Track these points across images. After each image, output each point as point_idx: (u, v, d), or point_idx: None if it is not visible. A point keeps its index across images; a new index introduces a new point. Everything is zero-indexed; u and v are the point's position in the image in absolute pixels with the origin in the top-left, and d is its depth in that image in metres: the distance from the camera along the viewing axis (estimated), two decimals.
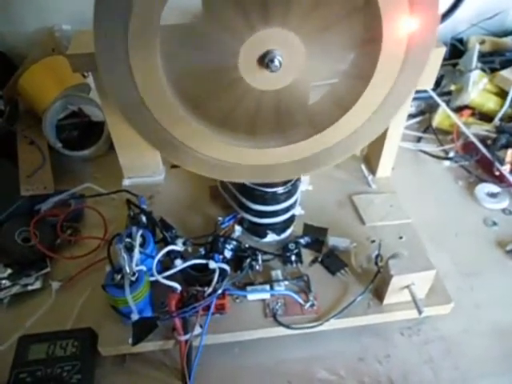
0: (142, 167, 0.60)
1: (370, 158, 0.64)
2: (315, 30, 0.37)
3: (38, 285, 0.54)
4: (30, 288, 0.54)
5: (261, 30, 0.36)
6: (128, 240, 0.45)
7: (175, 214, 0.56)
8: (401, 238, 0.54)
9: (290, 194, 0.50)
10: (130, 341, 0.44)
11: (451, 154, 0.70)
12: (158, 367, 0.48)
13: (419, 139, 0.75)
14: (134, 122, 0.40)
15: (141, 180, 0.61)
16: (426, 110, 0.78)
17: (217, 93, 0.40)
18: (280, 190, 0.48)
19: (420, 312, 0.45)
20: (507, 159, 0.64)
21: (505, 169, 0.65)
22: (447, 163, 0.70)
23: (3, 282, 0.54)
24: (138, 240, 0.45)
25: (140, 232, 0.46)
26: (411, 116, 0.78)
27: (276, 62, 0.37)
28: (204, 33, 0.36)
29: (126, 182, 0.61)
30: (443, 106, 0.70)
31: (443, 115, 0.73)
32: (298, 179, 0.51)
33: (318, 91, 0.43)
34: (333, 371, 0.47)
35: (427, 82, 0.51)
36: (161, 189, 0.61)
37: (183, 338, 0.44)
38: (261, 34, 0.36)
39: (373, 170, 0.63)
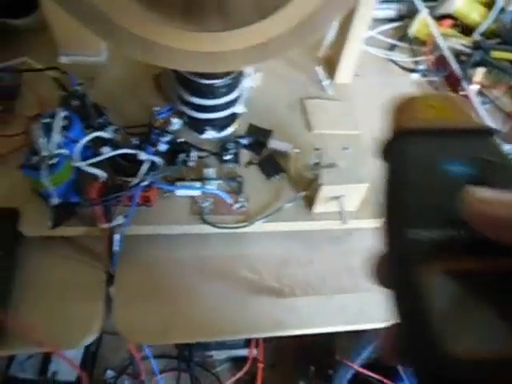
0: (79, 44, 0.55)
1: (331, 60, 0.59)
2: None
3: None
4: None
5: None
6: (47, 121, 0.42)
7: (114, 100, 0.53)
8: (345, 149, 0.53)
9: (229, 88, 0.46)
10: (49, 224, 0.43)
11: (421, 67, 0.66)
12: (85, 252, 0.48)
13: (393, 47, 0.69)
14: None
15: (80, 59, 0.56)
16: (407, 15, 0.71)
17: None
18: (218, 82, 0.45)
19: (344, 223, 0.45)
20: (475, 78, 0.61)
21: (471, 88, 0.61)
22: (415, 76, 0.66)
23: None
24: (60, 121, 0.42)
25: (63, 113, 0.43)
26: (389, 20, 0.71)
27: None
28: None
29: (63, 60, 0.56)
30: (424, 11, 0.64)
31: (423, 23, 0.67)
32: (241, 73, 0.47)
33: None
34: (254, 271, 0.49)
35: None
36: (101, 71, 0.56)
37: (104, 225, 0.44)
38: None
39: (332, 74, 0.59)
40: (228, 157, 0.49)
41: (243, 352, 1.08)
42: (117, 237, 0.45)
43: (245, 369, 0.97)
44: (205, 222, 0.46)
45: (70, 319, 0.45)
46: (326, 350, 1.07)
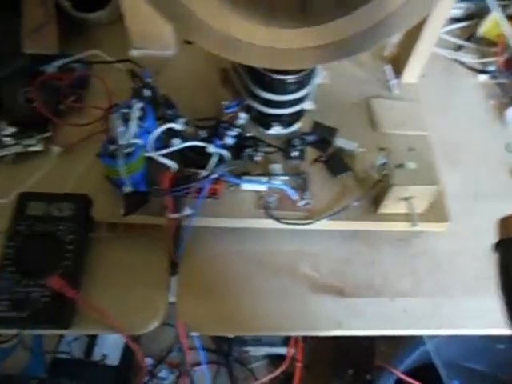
0: (151, 38, 0.56)
1: (398, 59, 0.58)
2: None
3: (39, 147, 0.54)
4: (31, 149, 0.54)
5: None
6: (125, 111, 0.43)
7: (181, 93, 0.53)
8: (412, 149, 0.52)
9: (300, 84, 0.46)
10: (121, 211, 0.45)
11: (490, 68, 0.64)
12: (150, 241, 0.49)
13: (459, 48, 0.67)
14: None
15: (149, 52, 0.58)
16: (476, 14, 0.69)
17: None
18: (290, 78, 0.44)
19: (414, 225, 0.44)
20: None
21: None
22: (483, 78, 0.64)
23: (6, 139, 0.54)
24: (136, 112, 0.43)
25: (139, 104, 0.44)
26: (456, 20, 0.69)
27: None
28: None
29: (134, 53, 0.57)
30: (496, 10, 0.62)
31: (493, 22, 0.65)
32: (313, 70, 0.47)
33: None
34: (316, 268, 0.48)
35: None
36: (169, 65, 0.57)
37: (173, 215, 0.45)
38: None
39: (399, 73, 0.57)
40: (295, 153, 0.49)
41: (280, 350, 1.08)
42: (184, 227, 0.46)
43: (282, 367, 0.97)
44: (271, 216, 0.46)
45: (135, 305, 0.46)
46: (364, 354, 1.05)
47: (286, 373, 1.00)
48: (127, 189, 0.44)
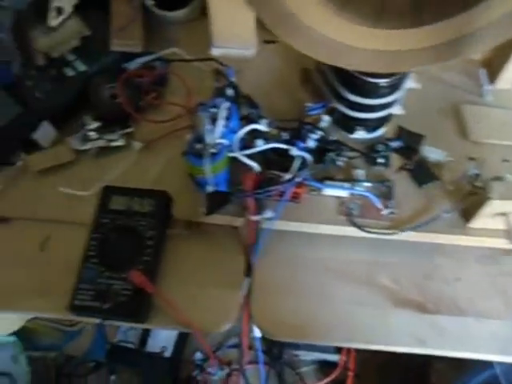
0: (233, 36, 0.56)
1: (492, 64, 0.54)
2: None
3: (121, 142, 0.55)
4: (113, 144, 0.56)
5: None
6: (213, 110, 0.43)
7: (261, 93, 0.53)
8: (506, 161, 0.48)
9: (392, 88, 0.44)
10: (203, 210, 0.45)
11: None
12: (226, 241, 0.49)
13: None
14: None
15: (230, 51, 0.57)
16: None
17: None
18: (384, 81, 0.43)
19: None
20: None
21: None
22: None
23: (91, 133, 0.56)
24: (224, 112, 0.43)
25: (227, 104, 0.44)
26: None
27: None
28: None
29: (214, 52, 0.58)
30: None
31: None
32: (406, 73, 0.44)
33: None
34: (396, 281, 0.46)
35: None
36: (249, 64, 0.57)
37: (254, 217, 0.44)
38: None
39: (492, 79, 0.54)
40: (380, 160, 0.47)
41: (331, 357, 1.06)
42: (262, 229, 0.45)
43: (333, 375, 0.94)
44: (353, 224, 0.44)
45: (209, 303, 0.46)
46: (419, 370, 1.01)
47: (336, 380, 0.97)
48: (210, 188, 0.44)
